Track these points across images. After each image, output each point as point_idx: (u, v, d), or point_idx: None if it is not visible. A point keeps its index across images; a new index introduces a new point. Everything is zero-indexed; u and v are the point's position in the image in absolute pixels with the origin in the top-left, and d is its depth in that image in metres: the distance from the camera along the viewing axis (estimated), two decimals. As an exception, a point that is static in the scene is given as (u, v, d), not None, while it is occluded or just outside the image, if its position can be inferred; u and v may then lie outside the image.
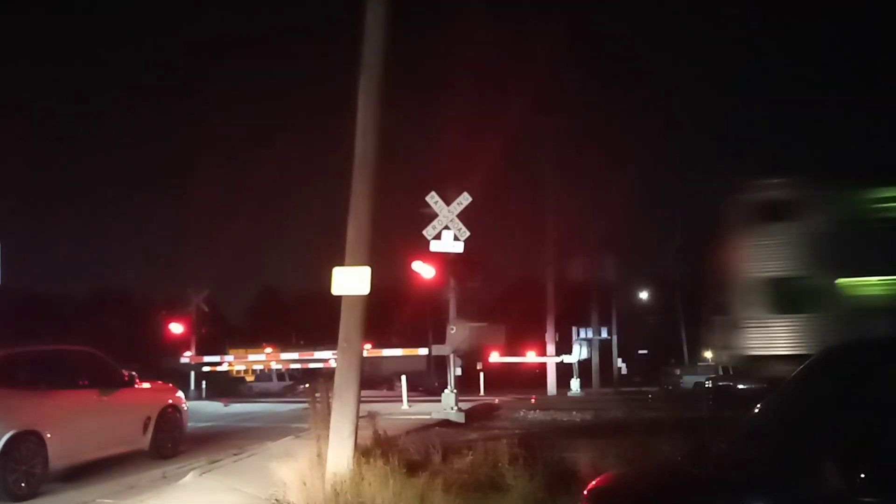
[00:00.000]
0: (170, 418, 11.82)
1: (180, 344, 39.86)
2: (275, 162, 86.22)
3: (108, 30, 77.38)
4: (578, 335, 38.52)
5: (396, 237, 18.96)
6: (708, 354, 45.36)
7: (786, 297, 18.71)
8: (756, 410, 4.84)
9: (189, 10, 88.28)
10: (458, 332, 17.88)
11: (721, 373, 35.46)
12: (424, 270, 18.61)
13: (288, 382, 42.93)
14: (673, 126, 58.26)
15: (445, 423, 16.25)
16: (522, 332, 35.51)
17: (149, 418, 11.30)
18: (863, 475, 3.45)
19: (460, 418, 17.14)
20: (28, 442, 8.94)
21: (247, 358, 40.53)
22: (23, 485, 8.81)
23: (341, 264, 8.45)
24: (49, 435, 9.19)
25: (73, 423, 9.75)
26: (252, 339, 45.61)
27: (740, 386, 30.81)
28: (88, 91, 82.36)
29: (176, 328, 40.58)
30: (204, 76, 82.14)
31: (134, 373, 11.50)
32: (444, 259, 17.75)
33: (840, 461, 3.48)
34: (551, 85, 34.09)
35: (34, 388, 9.50)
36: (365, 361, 8.70)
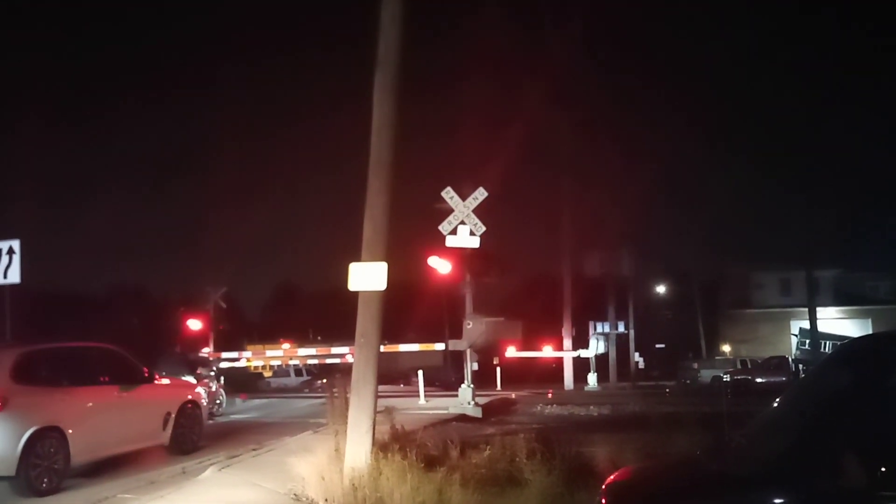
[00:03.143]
0: (189, 414, 11.89)
1: (198, 340, 40.09)
2: (292, 157, 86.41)
3: (115, 24, 77.33)
4: (595, 329, 38.35)
5: (413, 233, 18.96)
6: (726, 348, 45.21)
7: None
8: (775, 404, 4.82)
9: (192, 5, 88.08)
10: (474, 327, 17.86)
11: (739, 366, 35.34)
12: (441, 266, 18.62)
13: (305, 378, 43.12)
14: (697, 117, 57.11)
15: (462, 418, 16.26)
16: (539, 327, 35.44)
17: (169, 414, 11.37)
18: (883, 469, 3.43)
19: (477, 413, 17.14)
20: (50, 438, 9.03)
21: (264, 354, 40.72)
22: (45, 480, 8.90)
23: (358, 260, 8.48)
24: (70, 431, 9.27)
25: (94, 419, 9.82)
26: (269, 335, 45.78)
27: (759, 380, 30.73)
28: (97, 89, 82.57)
29: (194, 325, 40.81)
30: (220, 69, 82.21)
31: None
32: (460, 254, 17.74)
33: (860, 455, 3.46)
34: (572, 76, 33.52)
35: (55, 385, 9.59)
36: (381, 357, 8.72)
